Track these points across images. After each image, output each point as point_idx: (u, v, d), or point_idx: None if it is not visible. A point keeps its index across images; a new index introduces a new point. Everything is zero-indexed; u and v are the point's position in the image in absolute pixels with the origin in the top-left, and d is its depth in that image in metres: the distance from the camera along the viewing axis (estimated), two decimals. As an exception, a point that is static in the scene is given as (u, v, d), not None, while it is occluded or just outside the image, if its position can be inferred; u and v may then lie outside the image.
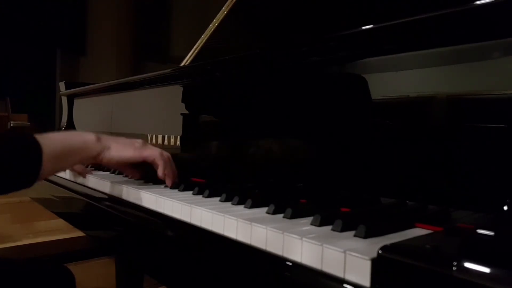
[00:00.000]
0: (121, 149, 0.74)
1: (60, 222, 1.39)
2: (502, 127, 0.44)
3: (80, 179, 0.95)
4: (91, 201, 0.85)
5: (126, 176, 0.90)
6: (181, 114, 0.92)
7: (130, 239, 0.73)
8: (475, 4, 0.44)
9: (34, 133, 0.64)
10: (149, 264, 0.68)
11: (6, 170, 0.59)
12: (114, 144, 0.74)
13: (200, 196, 0.66)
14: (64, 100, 1.59)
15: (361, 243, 0.40)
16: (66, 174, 1.03)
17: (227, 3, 1.16)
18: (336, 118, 0.61)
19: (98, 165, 0.94)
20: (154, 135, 0.99)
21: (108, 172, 1.00)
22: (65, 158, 0.68)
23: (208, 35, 1.16)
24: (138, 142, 0.77)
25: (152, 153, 0.76)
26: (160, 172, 0.75)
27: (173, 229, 0.61)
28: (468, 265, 0.30)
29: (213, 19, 1.17)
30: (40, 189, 1.16)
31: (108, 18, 4.03)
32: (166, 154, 0.77)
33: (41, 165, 0.61)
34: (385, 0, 0.72)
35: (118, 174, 0.94)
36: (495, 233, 0.33)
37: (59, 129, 1.55)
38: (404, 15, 0.50)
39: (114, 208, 0.76)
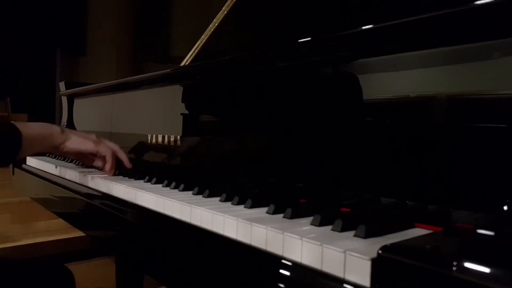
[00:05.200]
0: (81, 141, 0.87)
1: (60, 222, 1.40)
2: (502, 127, 0.44)
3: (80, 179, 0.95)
4: (90, 201, 0.85)
5: (123, 175, 0.90)
6: (181, 114, 0.92)
7: (130, 239, 0.74)
8: (475, 4, 0.44)
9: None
10: (149, 264, 0.68)
11: None
12: (75, 136, 0.87)
13: (200, 196, 0.66)
14: (64, 100, 1.59)
15: (361, 243, 0.40)
16: (67, 174, 1.03)
17: (227, 3, 1.15)
18: (336, 118, 0.61)
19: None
20: (154, 135, 0.99)
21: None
22: (37, 144, 0.81)
23: (208, 35, 1.16)
24: (93, 136, 0.90)
25: (105, 150, 0.89)
26: (107, 167, 0.89)
27: (173, 229, 0.61)
28: (468, 265, 0.30)
29: (213, 19, 1.17)
30: (40, 189, 1.16)
31: (108, 18, 4.03)
32: (113, 150, 0.91)
33: (21, 147, 0.75)
34: (385, 0, 0.72)
35: (118, 174, 0.94)
36: (495, 233, 0.33)
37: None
38: (404, 15, 0.50)
39: (114, 208, 0.76)
